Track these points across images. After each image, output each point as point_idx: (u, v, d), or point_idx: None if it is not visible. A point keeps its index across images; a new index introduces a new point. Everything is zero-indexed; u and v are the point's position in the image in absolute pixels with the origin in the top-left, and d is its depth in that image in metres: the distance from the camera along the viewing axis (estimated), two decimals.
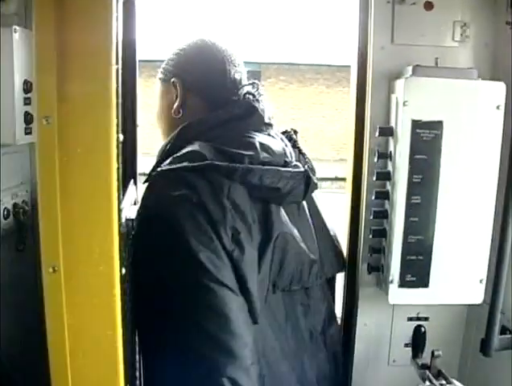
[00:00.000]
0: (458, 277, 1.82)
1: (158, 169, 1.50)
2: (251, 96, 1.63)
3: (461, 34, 1.85)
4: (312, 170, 1.67)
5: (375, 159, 1.84)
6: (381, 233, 1.86)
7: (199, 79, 1.67)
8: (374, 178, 1.84)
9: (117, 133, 1.80)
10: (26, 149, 1.95)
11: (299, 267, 1.55)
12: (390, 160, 1.81)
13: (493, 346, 1.77)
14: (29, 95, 1.80)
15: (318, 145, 19.75)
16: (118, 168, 1.83)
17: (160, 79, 1.80)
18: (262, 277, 1.44)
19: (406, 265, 1.79)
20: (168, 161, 1.50)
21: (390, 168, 1.82)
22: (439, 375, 1.75)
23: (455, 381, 1.72)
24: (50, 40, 1.53)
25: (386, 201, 1.84)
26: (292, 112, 20.39)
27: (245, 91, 1.65)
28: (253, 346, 1.39)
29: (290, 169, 1.52)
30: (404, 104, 1.71)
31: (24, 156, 1.96)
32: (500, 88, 1.74)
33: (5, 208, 1.82)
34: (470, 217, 1.78)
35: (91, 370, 1.90)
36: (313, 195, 1.72)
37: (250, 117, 1.59)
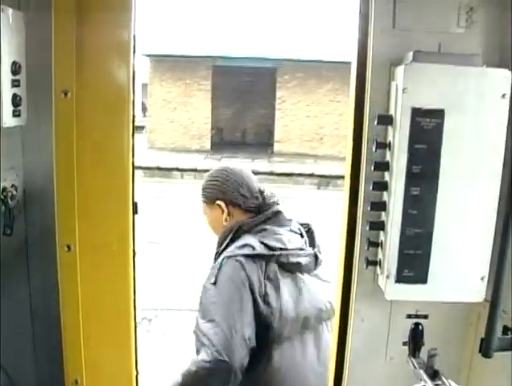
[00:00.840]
0: (458, 273, 1.75)
1: (226, 253, 2.19)
2: (275, 200, 2.34)
3: (467, 20, 1.77)
4: (319, 251, 2.36)
5: (373, 149, 1.77)
6: (379, 226, 1.79)
7: (236, 196, 2.31)
8: (372, 169, 1.77)
9: (133, 109, 1.80)
10: (18, 134, 1.92)
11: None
12: (389, 150, 1.74)
13: (493, 346, 1.69)
14: (17, 77, 1.77)
15: (335, 143, 19.68)
16: (133, 145, 1.82)
17: (205, 202, 2.40)
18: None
19: (403, 260, 1.72)
20: (232, 248, 2.20)
21: (388, 158, 1.74)
22: (435, 375, 1.68)
23: (452, 382, 1.64)
24: (69, 17, 1.51)
25: (385, 192, 1.77)
26: (308, 109, 20.36)
27: (271, 199, 2.34)
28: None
29: (305, 251, 2.29)
30: (404, 92, 1.63)
31: (15, 140, 1.93)
32: (506, 75, 1.65)
33: None
34: (472, 211, 1.70)
35: (104, 349, 1.91)
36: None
37: (277, 217, 2.29)
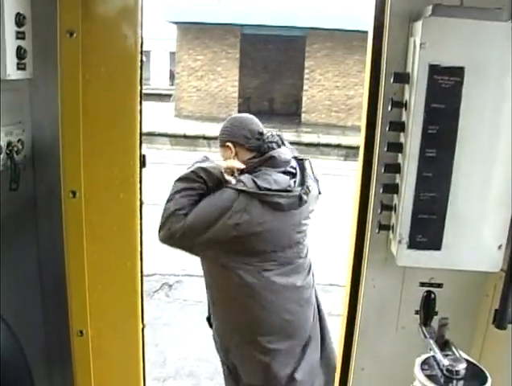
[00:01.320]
0: (474, 240, 1.67)
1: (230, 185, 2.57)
2: (274, 145, 2.69)
3: None
4: (307, 190, 2.64)
5: (389, 108, 1.69)
6: (393, 189, 1.71)
7: (240, 137, 2.72)
8: (387, 129, 1.69)
9: (141, 54, 1.76)
10: (25, 87, 1.89)
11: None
12: (405, 109, 1.66)
13: (508, 318, 1.62)
14: (22, 29, 1.73)
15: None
16: (141, 92, 1.79)
17: (220, 145, 2.80)
18: None
19: (416, 224, 1.65)
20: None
21: (404, 118, 1.66)
22: (445, 345, 1.62)
23: (462, 353, 1.58)
24: None
25: (399, 154, 1.69)
26: (337, 79, 20.08)
27: (269, 139, 2.70)
28: None
29: (288, 193, 2.57)
30: (421, 47, 1.55)
31: (23, 94, 1.90)
32: None
33: None
34: (490, 175, 1.62)
35: (109, 301, 1.91)
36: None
37: (272, 160, 2.63)
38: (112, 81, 1.65)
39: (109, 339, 1.89)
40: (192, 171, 2.57)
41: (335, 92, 20.17)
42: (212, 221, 2.47)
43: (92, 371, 1.86)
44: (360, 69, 19.70)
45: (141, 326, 1.92)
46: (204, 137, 16.81)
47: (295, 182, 2.64)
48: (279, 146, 2.72)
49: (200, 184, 2.54)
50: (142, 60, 1.67)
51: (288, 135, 17.82)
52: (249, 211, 2.50)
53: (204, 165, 2.60)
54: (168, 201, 2.53)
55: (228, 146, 2.72)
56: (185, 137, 16.82)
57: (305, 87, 20.30)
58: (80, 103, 1.62)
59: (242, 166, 2.64)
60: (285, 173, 2.64)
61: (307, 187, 2.65)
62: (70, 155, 1.67)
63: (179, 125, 18.08)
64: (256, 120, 2.82)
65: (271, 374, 2.64)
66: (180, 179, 2.58)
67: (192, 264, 6.94)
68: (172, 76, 24.01)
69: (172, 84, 22.91)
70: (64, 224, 1.77)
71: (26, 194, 1.93)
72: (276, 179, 2.58)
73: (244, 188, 2.51)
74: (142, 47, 1.66)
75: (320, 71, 20.09)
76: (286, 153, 2.72)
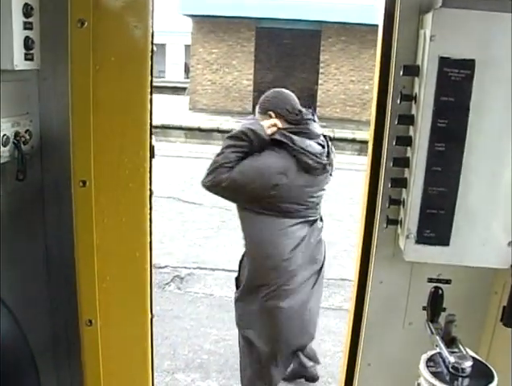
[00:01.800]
0: (483, 236, 1.65)
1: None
2: (309, 121, 3.10)
3: None
4: (331, 163, 3.15)
5: (398, 101, 1.66)
6: (402, 183, 1.70)
7: (282, 109, 3.11)
8: (396, 122, 1.67)
9: (152, 43, 1.76)
10: (34, 78, 1.89)
11: None
12: (415, 103, 1.64)
13: None
14: (30, 19, 1.73)
15: None
16: (152, 82, 1.79)
17: (260, 113, 3.20)
18: None
19: (425, 219, 1.63)
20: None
21: (414, 111, 1.64)
22: (452, 342, 1.60)
23: (469, 351, 1.56)
24: None
25: (408, 148, 1.67)
26: (352, 73, 19.99)
27: (306, 116, 3.10)
28: None
29: (318, 159, 3.02)
30: (431, 39, 1.52)
31: (31, 85, 1.90)
32: None
33: (4, 135, 1.76)
34: (500, 170, 1.60)
35: (118, 291, 1.91)
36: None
37: (307, 132, 3.05)
38: (122, 71, 1.65)
39: (118, 329, 1.89)
40: (241, 131, 3.01)
41: (350, 86, 20.07)
42: (253, 179, 2.94)
43: (101, 360, 1.87)
44: (375, 64, 19.60)
45: (149, 316, 1.92)
46: (219, 131, 16.80)
47: (322, 153, 3.07)
48: (314, 122, 3.13)
49: (247, 143, 2.98)
50: (152, 50, 1.67)
51: None
52: (287, 174, 2.94)
53: (252, 126, 3.01)
54: (218, 155, 3.00)
55: (269, 115, 3.12)
56: (200, 130, 16.84)
57: (320, 81, 20.22)
58: (91, 93, 1.62)
59: (282, 126, 3.05)
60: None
61: (331, 160, 3.14)
62: (80, 145, 1.68)
63: (193, 118, 18.09)
64: (295, 98, 3.25)
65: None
66: (230, 137, 3.04)
67: (204, 257, 7.00)
68: (187, 69, 24.02)
69: (187, 77, 22.91)
70: (73, 214, 1.78)
71: (33, 184, 1.93)
72: (310, 144, 3.02)
73: (285, 140, 2.96)
74: (152, 37, 1.66)
75: (335, 65, 19.99)
76: (317, 128, 3.15)
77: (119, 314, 1.90)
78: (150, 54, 1.70)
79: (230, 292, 6.18)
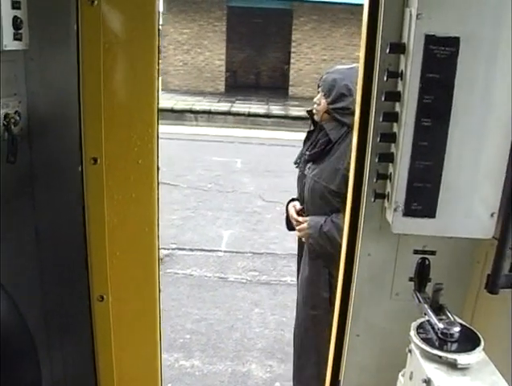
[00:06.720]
0: (467, 208, 1.71)
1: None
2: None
3: None
4: None
5: (385, 78, 1.70)
6: (389, 158, 1.74)
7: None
8: (383, 99, 1.71)
9: (158, 24, 1.77)
10: (21, 59, 1.88)
11: None
12: (401, 79, 1.68)
13: (499, 283, 1.66)
14: None
15: None
16: (158, 60, 1.81)
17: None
18: None
19: (412, 192, 1.68)
20: None
21: (400, 88, 1.68)
22: (440, 310, 1.67)
23: (456, 317, 1.63)
24: None
25: (395, 124, 1.72)
26: (324, 52, 20.01)
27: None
28: None
29: None
30: (418, 18, 1.56)
31: (18, 66, 1.89)
32: None
33: None
34: (484, 144, 1.65)
35: (128, 266, 1.94)
36: None
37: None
38: (130, 50, 1.67)
39: (129, 304, 1.93)
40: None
41: (322, 65, 20.07)
42: None
43: (113, 335, 1.90)
44: (347, 42, 19.63)
45: (158, 289, 1.96)
46: (191, 111, 16.73)
47: None
48: None
49: None
50: (159, 29, 1.69)
51: (275, 108, 17.79)
52: None
53: None
54: None
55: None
56: (172, 111, 16.74)
57: (292, 60, 20.22)
58: (101, 71, 1.63)
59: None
60: None
61: None
62: (91, 123, 1.70)
63: (166, 98, 17.97)
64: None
65: None
66: None
67: (182, 238, 7.03)
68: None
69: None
70: (84, 191, 1.79)
71: (22, 166, 1.94)
72: None
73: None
74: (159, 15, 1.68)
75: (307, 44, 20.00)
76: None
77: (130, 289, 1.94)
78: (157, 32, 1.71)
79: (209, 272, 6.27)
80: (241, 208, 8.47)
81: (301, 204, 3.25)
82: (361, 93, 1.83)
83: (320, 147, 3.12)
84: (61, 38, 1.85)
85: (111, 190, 1.79)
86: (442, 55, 1.58)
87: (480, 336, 1.57)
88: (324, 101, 3.16)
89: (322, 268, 3.12)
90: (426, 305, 1.68)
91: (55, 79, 1.86)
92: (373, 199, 1.82)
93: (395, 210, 1.69)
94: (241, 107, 17.73)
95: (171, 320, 4.99)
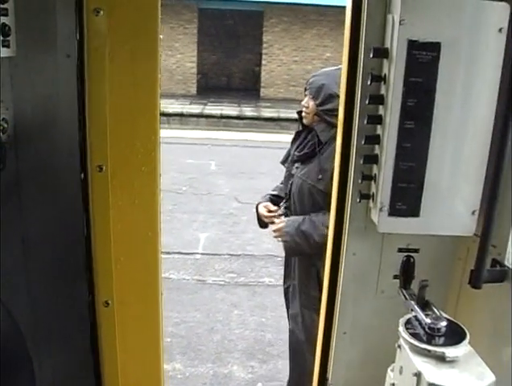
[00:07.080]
0: (450, 207, 1.77)
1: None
2: None
3: None
4: None
5: (369, 82, 1.75)
6: (373, 159, 1.79)
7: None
8: (367, 102, 1.76)
9: (160, 32, 1.78)
10: (6, 66, 1.88)
11: None
12: (384, 83, 1.73)
13: (482, 278, 1.72)
14: (5, 5, 1.72)
15: None
16: (160, 68, 1.83)
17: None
18: None
19: (396, 193, 1.73)
20: None
21: (383, 92, 1.74)
22: (426, 306, 1.72)
23: (442, 313, 1.69)
24: None
25: (379, 126, 1.77)
26: (295, 54, 20.10)
27: None
28: None
29: None
30: (400, 23, 1.61)
31: (3, 72, 1.88)
32: (504, 9, 1.63)
33: None
34: (465, 145, 1.71)
35: (131, 271, 1.95)
36: None
37: None
38: (134, 59, 1.68)
39: (132, 308, 1.94)
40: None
41: (293, 66, 20.22)
42: None
43: (118, 339, 1.92)
44: (318, 43, 19.77)
45: (160, 293, 1.99)
46: (163, 114, 16.63)
47: None
48: None
49: None
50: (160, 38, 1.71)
51: (247, 110, 17.83)
52: None
53: None
54: None
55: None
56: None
57: (263, 62, 20.28)
58: (107, 81, 1.65)
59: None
60: None
61: None
62: (96, 131, 1.71)
63: None
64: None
65: None
66: None
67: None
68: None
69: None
70: (90, 199, 1.81)
71: (8, 172, 1.93)
72: None
73: None
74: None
75: (278, 45, 20.08)
76: None
77: (133, 293, 1.96)
78: (159, 41, 1.73)
79: (187, 275, 6.26)
80: (217, 210, 8.48)
81: (288, 204, 3.27)
82: (345, 96, 1.87)
83: (310, 148, 3.15)
84: (48, 44, 1.85)
85: (115, 197, 1.81)
86: (424, 60, 1.64)
87: (465, 330, 1.63)
88: (312, 104, 3.18)
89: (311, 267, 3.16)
90: (412, 302, 1.73)
91: (42, 85, 1.87)
92: (358, 200, 1.87)
93: (381, 210, 1.75)
94: (213, 109, 17.72)
95: None
